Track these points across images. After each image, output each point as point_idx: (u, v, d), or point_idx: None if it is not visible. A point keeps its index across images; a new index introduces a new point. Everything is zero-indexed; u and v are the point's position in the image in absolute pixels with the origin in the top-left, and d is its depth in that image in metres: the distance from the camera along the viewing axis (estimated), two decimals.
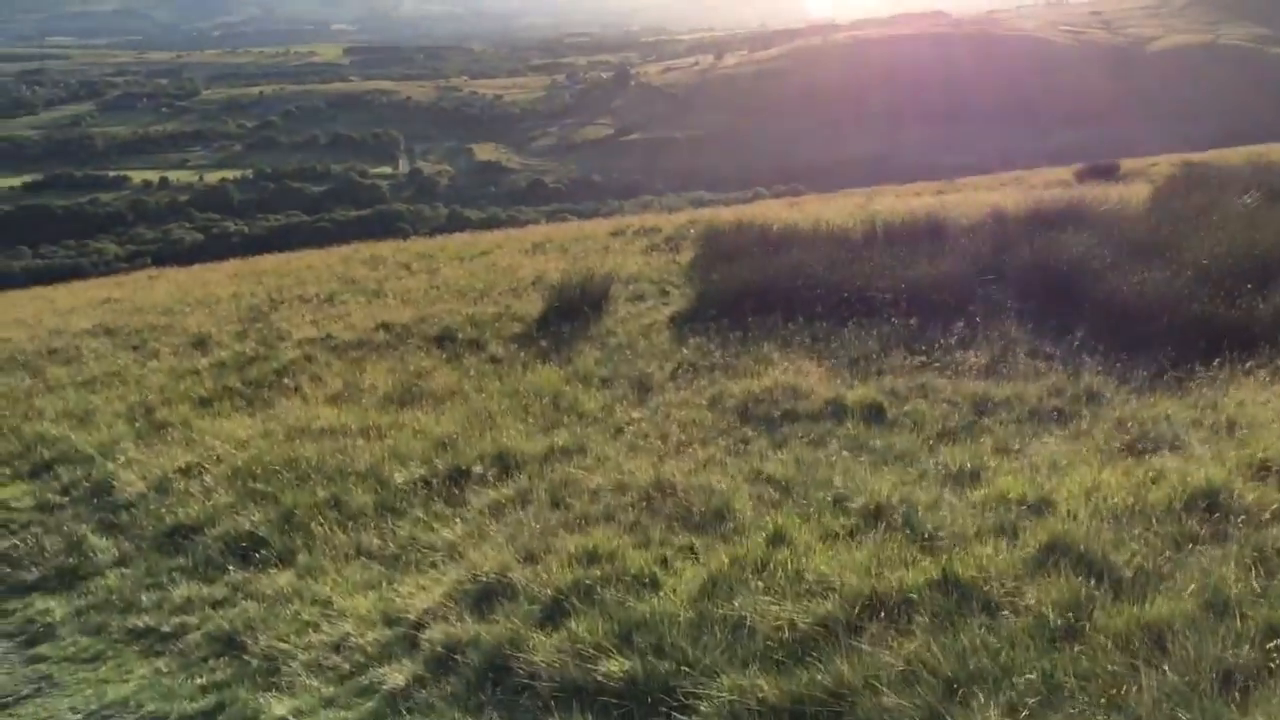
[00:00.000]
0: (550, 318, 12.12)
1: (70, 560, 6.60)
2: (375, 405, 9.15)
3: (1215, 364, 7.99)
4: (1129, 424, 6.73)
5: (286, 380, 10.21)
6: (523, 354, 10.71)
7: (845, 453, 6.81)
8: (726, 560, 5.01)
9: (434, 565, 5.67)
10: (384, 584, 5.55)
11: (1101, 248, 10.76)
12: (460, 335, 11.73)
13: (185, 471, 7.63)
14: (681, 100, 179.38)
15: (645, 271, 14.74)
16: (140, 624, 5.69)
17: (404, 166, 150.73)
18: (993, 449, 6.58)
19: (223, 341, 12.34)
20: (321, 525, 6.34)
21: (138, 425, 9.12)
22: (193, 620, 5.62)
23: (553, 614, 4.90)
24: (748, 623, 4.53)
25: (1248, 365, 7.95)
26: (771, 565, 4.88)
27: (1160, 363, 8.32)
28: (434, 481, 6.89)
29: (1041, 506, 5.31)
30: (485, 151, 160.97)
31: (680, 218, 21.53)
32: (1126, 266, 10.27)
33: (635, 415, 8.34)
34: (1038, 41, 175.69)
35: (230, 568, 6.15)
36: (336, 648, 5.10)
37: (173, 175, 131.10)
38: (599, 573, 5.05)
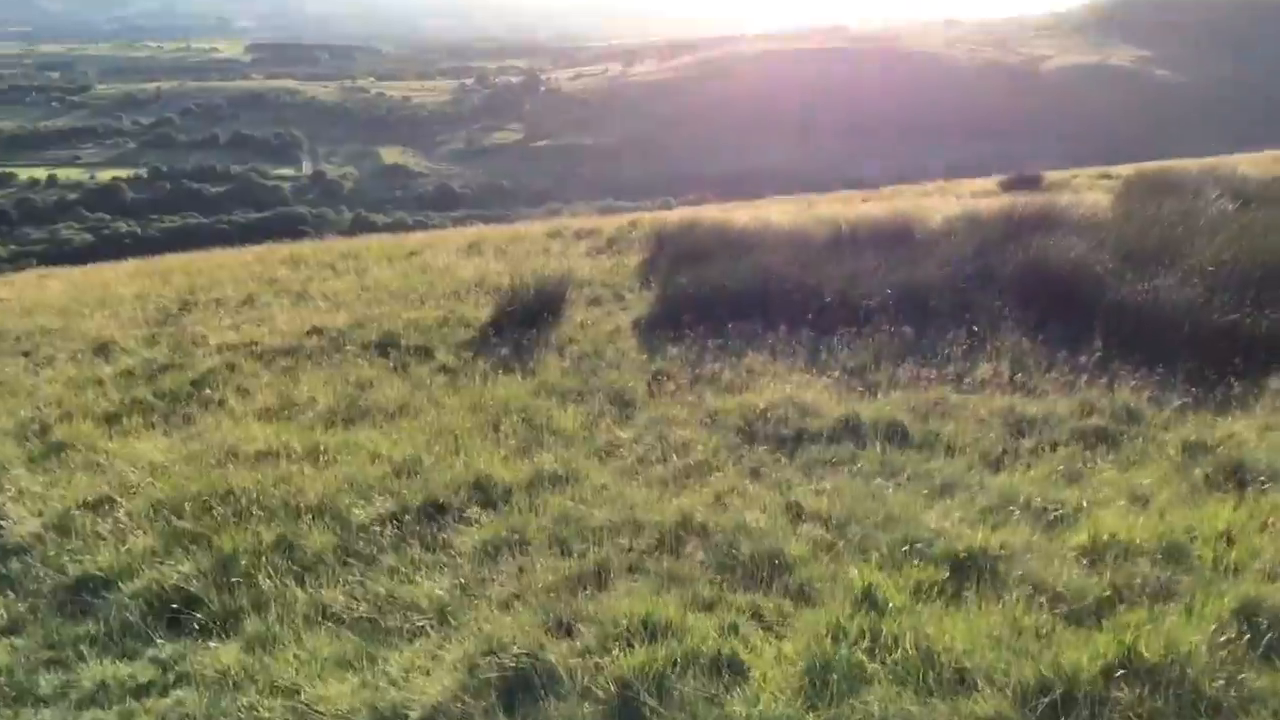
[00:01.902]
0: (502, 323, 11.02)
1: None
2: (316, 422, 7.95)
3: (1257, 378, 7.34)
4: (1201, 448, 5.97)
5: (207, 391, 8.92)
6: (478, 363, 9.60)
7: (881, 480, 5.91)
8: (821, 632, 4.02)
9: (423, 632, 4.57)
10: (363, 661, 4.40)
11: (1099, 252, 10.13)
12: (404, 342, 10.55)
13: (91, 506, 6.32)
14: (592, 107, 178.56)
15: (595, 274, 13.74)
16: None
17: (307, 168, 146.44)
18: (1057, 477, 5.75)
19: (128, 348, 10.91)
20: (270, 578, 5.15)
21: (29, 446, 7.74)
22: (109, 717, 4.35)
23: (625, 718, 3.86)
24: None
25: None
26: (883, 639, 3.92)
27: (1193, 376, 7.64)
28: (404, 518, 5.76)
29: (1175, 554, 4.46)
30: (392, 155, 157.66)
31: (618, 220, 20.56)
32: (1127, 273, 9.65)
33: (622, 435, 7.33)
34: (937, 58, 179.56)
35: (156, 637, 4.90)
36: None
37: (62, 173, 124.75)
38: (664, 653, 4.00)
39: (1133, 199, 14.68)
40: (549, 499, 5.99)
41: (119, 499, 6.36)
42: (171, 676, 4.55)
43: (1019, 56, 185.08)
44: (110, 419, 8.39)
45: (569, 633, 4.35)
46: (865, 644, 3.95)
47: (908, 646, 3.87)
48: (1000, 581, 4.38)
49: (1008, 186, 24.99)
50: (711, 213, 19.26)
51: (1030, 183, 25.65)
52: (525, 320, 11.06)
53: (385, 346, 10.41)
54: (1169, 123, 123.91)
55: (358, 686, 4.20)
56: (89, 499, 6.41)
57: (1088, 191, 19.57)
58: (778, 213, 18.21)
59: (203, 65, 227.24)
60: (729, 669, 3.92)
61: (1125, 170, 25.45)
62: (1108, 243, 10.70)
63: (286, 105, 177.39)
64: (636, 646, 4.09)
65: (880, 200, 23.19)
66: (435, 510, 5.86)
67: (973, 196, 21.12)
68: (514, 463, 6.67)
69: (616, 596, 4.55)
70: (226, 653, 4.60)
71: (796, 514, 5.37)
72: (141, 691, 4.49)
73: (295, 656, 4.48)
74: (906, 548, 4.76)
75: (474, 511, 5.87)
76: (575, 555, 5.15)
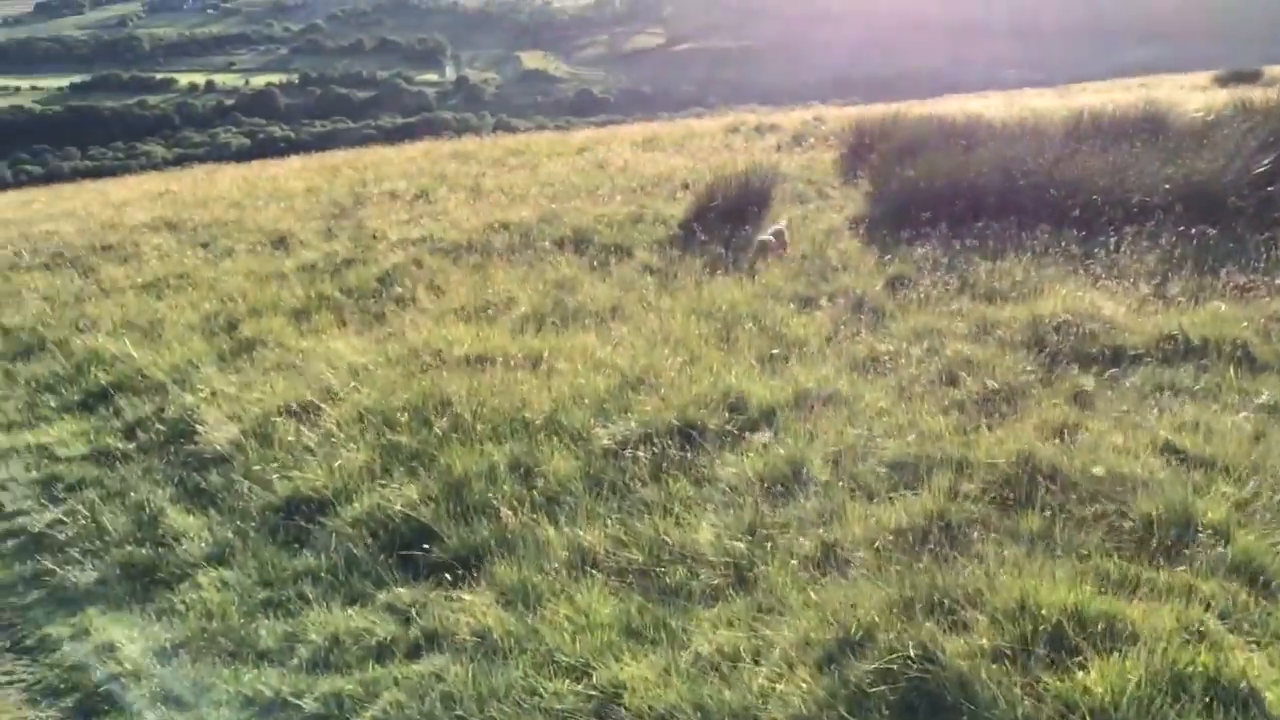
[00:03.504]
0: (702, 220, 9.92)
1: (143, 551, 4.54)
2: (520, 324, 7.05)
3: None
4: None
5: (397, 289, 8.12)
6: (686, 262, 8.56)
7: (1262, 416, 4.61)
8: None
9: (721, 595, 3.59)
10: (658, 631, 3.43)
11: None
12: (596, 239, 9.57)
13: (292, 411, 5.56)
14: (735, 10, 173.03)
15: (790, 170, 12.44)
16: (265, 691, 3.60)
17: (450, 74, 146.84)
18: None
19: (307, 240, 10.27)
20: (513, 510, 4.25)
21: (218, 342, 7.09)
22: (349, 686, 3.50)
23: None
24: None
25: None
26: None
27: None
28: (654, 440, 4.77)
29: None
30: (533, 60, 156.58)
31: (799, 115, 19.13)
32: None
33: (881, 348, 6.17)
34: None
35: (387, 577, 4.07)
36: None
37: (218, 78, 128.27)
38: (1131, 668, 2.85)
39: None
40: (821, 423, 4.92)
41: (322, 405, 5.58)
42: (415, 632, 3.69)
43: None
44: (298, 315, 7.69)
45: (953, 620, 3.27)
46: None
47: None
48: None
49: (1225, 82, 22.42)
50: (905, 107, 17.62)
51: (1249, 78, 22.98)
52: (728, 218, 9.95)
53: (578, 243, 9.47)
54: None
55: (663, 672, 3.23)
56: (289, 404, 5.65)
57: None
58: (980, 107, 16.50)
59: None
60: (1228, 699, 2.77)
61: None
62: None
63: (430, 11, 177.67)
64: (1084, 653, 2.96)
65: (1077, 96, 21.01)
66: (690, 432, 4.85)
67: (1191, 91, 18.93)
68: (762, 378, 5.60)
69: (987, 567, 3.44)
70: (480, 606, 3.71)
71: (1178, 458, 4.16)
72: (384, 653, 3.66)
73: (568, 619, 3.55)
74: None
75: (734, 435, 4.84)
76: (886, 499, 4.08)
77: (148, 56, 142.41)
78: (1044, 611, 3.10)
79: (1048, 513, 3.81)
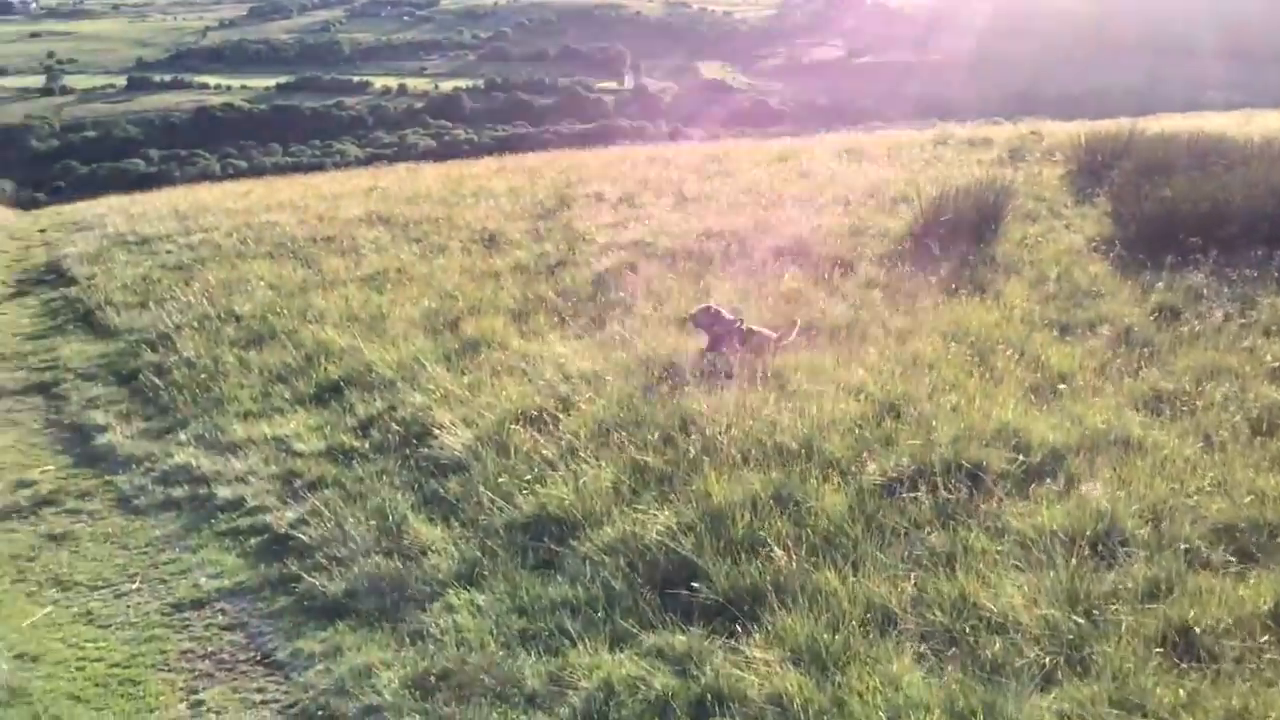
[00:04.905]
0: (927, 236, 9.31)
1: (390, 564, 4.34)
2: None
3: None
4: None
5: (617, 294, 7.85)
6: (917, 280, 8.00)
7: None
8: None
9: (1054, 678, 3.07)
10: (990, 716, 2.95)
11: None
12: (815, 250, 9.10)
13: (527, 419, 5.32)
14: (919, 22, 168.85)
15: (1015, 186, 11.64)
16: None
17: (629, 82, 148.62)
18: None
19: (516, 240, 10.18)
20: (785, 549, 3.83)
21: (442, 340, 6.97)
22: None
23: None
24: None
25: None
26: None
27: None
28: (930, 479, 4.27)
29: None
30: (711, 70, 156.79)
31: (1009, 130, 18.13)
32: None
33: (1164, 385, 5.49)
34: None
35: (653, 617, 3.67)
36: None
37: (410, 82, 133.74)
38: None
39: None
40: (1122, 472, 4.31)
41: (557, 413, 5.33)
42: (696, 689, 3.30)
43: None
44: (516, 315, 7.53)
45: None
46: None
47: None
48: None
49: None
50: (1148, 123, 16.44)
51: None
52: (955, 233, 9.31)
53: (797, 255, 9.03)
54: None
55: None
56: (521, 410, 5.42)
57: None
58: (1220, 125, 15.22)
59: None
60: None
61: None
62: None
63: (613, 21, 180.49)
64: None
65: None
66: (973, 473, 4.33)
67: None
68: (1039, 413, 5.02)
69: None
70: (769, 664, 3.29)
71: None
72: (665, 710, 3.26)
73: (878, 692, 3.09)
74: None
75: (1019, 479, 4.30)
76: (1230, 573, 3.46)
77: (347, 60, 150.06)
78: None
79: None
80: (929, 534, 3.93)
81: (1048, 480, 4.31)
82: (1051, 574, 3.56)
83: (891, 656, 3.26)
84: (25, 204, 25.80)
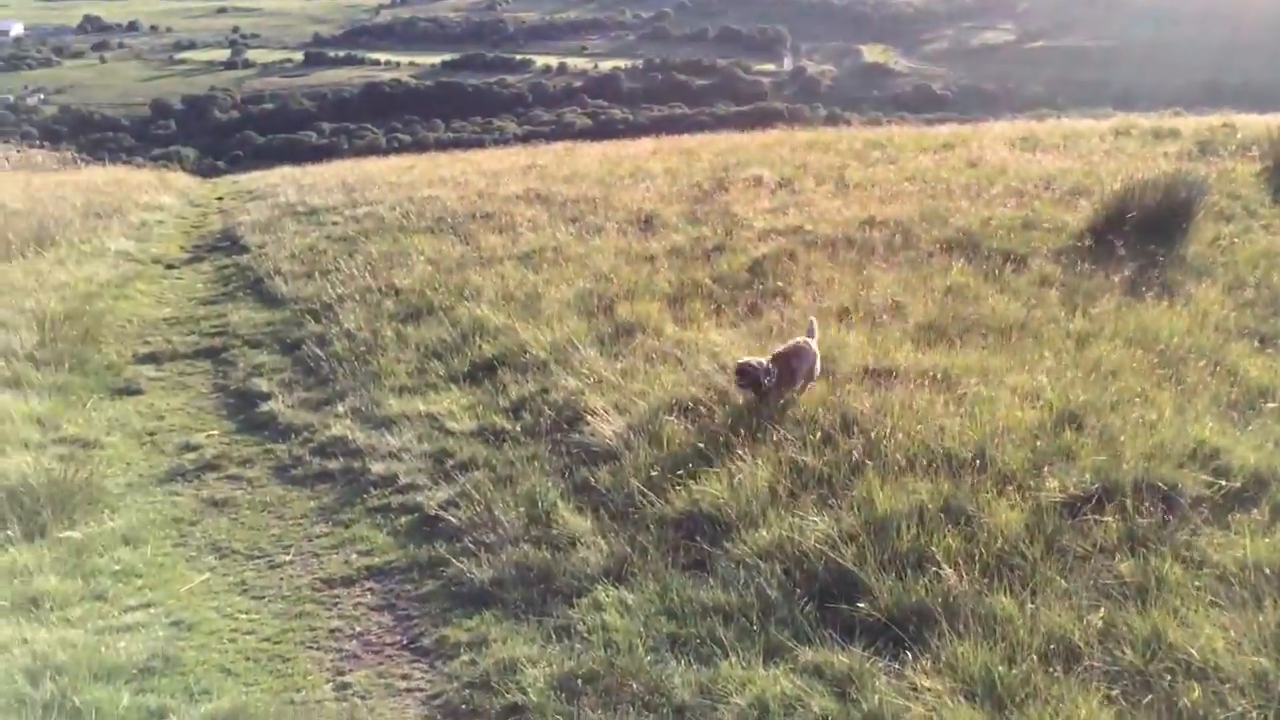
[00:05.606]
0: (1107, 232, 8.74)
1: (538, 554, 4.27)
2: (914, 335, 6.34)
3: None
4: None
5: (776, 282, 7.63)
6: (1097, 279, 7.51)
7: None
8: None
9: None
10: None
11: None
12: (985, 243, 8.65)
13: (681, 409, 5.18)
14: (1096, 5, 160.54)
15: (1209, 182, 10.82)
16: None
17: (788, 64, 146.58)
18: None
19: (672, 223, 10.05)
20: (955, 567, 3.59)
21: (595, 323, 6.90)
22: None
23: None
24: None
25: None
26: None
27: None
28: (1116, 498, 3.93)
29: None
30: (873, 53, 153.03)
31: (1199, 121, 16.94)
32: None
33: None
34: None
35: (810, 631, 3.51)
36: None
37: (570, 61, 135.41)
38: None
39: None
40: None
41: (711, 404, 5.18)
42: (856, 715, 3.11)
43: None
44: (671, 301, 7.40)
45: None
46: None
47: None
48: None
49: None
50: None
51: None
52: (1139, 231, 8.70)
53: (965, 247, 8.60)
54: None
55: None
56: (675, 399, 5.29)
57: None
58: None
59: None
60: None
61: None
62: None
63: (775, 2, 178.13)
64: None
65: None
66: (1166, 495, 3.97)
67: None
68: (1238, 432, 4.58)
69: None
70: (937, 693, 3.08)
71: None
72: None
73: None
74: None
75: (1217, 505, 3.91)
76: None
77: (510, 38, 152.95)
78: None
79: None
80: (1117, 561, 3.61)
81: (1251, 508, 3.91)
82: (1259, 615, 3.21)
83: (1076, 697, 2.99)
84: (205, 172, 27.16)
